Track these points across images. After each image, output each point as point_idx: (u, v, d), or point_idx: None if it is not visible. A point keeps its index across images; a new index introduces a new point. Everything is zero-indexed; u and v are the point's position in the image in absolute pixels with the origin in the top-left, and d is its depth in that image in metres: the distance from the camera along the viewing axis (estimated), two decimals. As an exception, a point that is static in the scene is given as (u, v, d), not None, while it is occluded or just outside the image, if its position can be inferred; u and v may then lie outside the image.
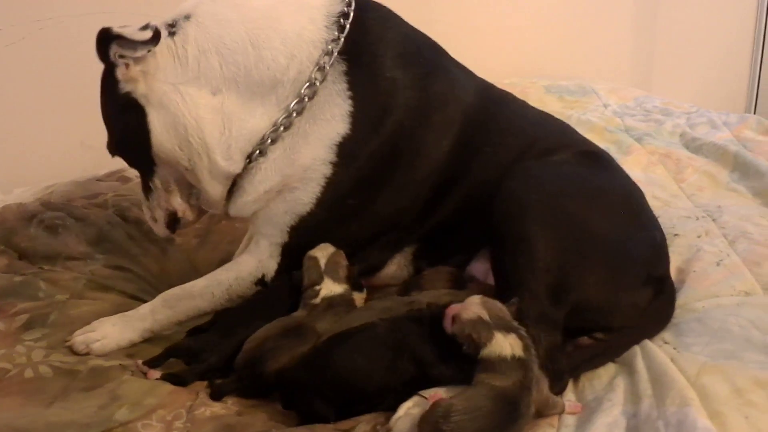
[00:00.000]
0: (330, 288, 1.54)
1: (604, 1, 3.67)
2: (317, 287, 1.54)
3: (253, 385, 1.42)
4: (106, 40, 1.49)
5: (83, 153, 2.52)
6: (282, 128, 1.57)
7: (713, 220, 1.99)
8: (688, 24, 3.85)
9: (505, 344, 1.26)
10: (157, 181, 1.64)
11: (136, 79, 1.52)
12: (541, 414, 1.30)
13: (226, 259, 1.89)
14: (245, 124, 1.57)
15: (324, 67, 1.56)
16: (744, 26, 3.99)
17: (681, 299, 1.65)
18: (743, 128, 2.65)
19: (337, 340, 1.39)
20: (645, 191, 1.75)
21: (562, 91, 3.10)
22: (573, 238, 1.49)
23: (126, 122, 1.57)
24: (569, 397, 1.41)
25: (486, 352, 1.27)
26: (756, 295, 1.63)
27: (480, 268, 1.65)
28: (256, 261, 1.65)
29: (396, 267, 1.74)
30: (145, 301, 1.68)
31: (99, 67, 1.54)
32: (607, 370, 1.47)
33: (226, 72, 1.54)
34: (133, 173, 2.07)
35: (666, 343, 1.51)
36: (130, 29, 1.49)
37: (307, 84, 1.56)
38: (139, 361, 1.49)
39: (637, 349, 1.49)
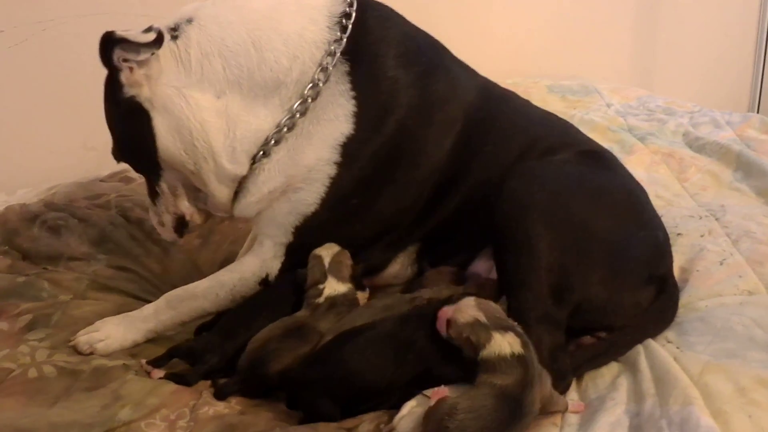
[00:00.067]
0: (333, 287, 1.54)
1: (605, 0, 3.67)
2: (320, 286, 1.54)
3: (257, 386, 1.43)
4: (109, 44, 1.48)
5: (86, 154, 2.53)
6: (285, 129, 1.57)
7: (716, 219, 1.99)
8: (691, 22, 3.85)
9: (504, 343, 1.26)
10: (164, 186, 1.64)
11: (140, 83, 1.52)
12: (544, 410, 1.29)
13: (228, 259, 1.90)
14: (249, 126, 1.57)
15: (327, 67, 1.56)
16: (747, 24, 3.99)
17: (684, 298, 1.65)
18: (746, 127, 2.65)
19: (345, 337, 1.39)
20: (648, 191, 1.75)
21: (565, 91, 3.11)
22: (575, 237, 1.49)
23: (131, 127, 1.56)
24: (572, 396, 1.41)
25: (485, 353, 1.27)
26: (759, 294, 1.63)
27: (482, 266, 1.65)
28: (259, 261, 1.65)
29: (399, 266, 1.74)
30: (147, 302, 1.68)
31: (101, 68, 1.54)
32: (610, 369, 1.47)
33: (229, 75, 1.54)
34: (136, 174, 2.07)
35: (669, 342, 1.51)
36: (133, 32, 1.48)
37: (310, 85, 1.56)
38: (143, 361, 1.50)
39: (640, 348, 1.49)
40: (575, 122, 2.29)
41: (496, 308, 1.34)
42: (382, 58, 1.61)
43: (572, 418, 1.33)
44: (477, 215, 1.62)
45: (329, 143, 1.58)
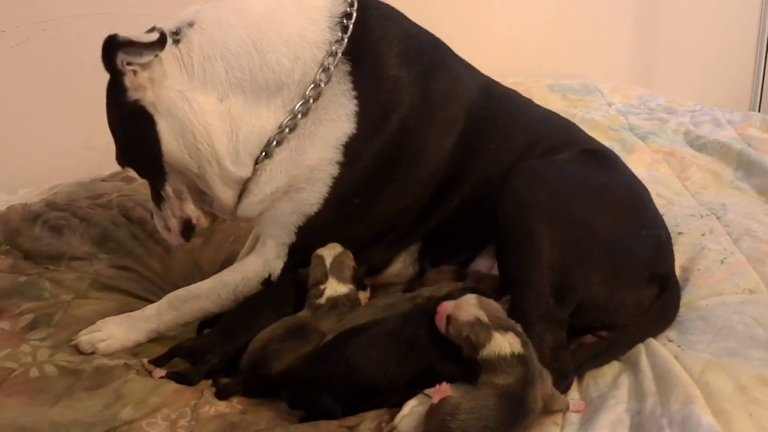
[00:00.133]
0: (334, 288, 1.54)
1: (606, -1, 3.68)
2: (322, 286, 1.54)
3: (259, 385, 1.43)
4: (113, 47, 1.47)
5: (87, 153, 2.53)
6: (287, 130, 1.57)
7: (717, 218, 1.99)
8: (691, 21, 3.85)
9: (504, 343, 1.26)
10: (169, 190, 1.64)
11: (144, 87, 1.51)
12: (546, 409, 1.29)
13: (229, 258, 1.90)
14: (252, 128, 1.57)
15: (328, 68, 1.56)
16: (747, 22, 3.99)
17: (685, 297, 1.65)
18: (747, 126, 2.65)
19: (347, 335, 1.40)
20: (649, 190, 1.75)
21: (566, 90, 3.11)
22: (577, 237, 1.49)
23: (135, 131, 1.56)
24: (573, 395, 1.41)
25: (485, 352, 1.27)
26: (760, 293, 1.63)
27: (484, 264, 1.65)
28: (262, 261, 1.65)
29: (401, 265, 1.74)
30: (149, 301, 1.68)
31: (102, 68, 1.54)
32: (612, 368, 1.47)
33: (231, 77, 1.54)
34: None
35: (670, 341, 1.51)
36: (136, 34, 1.48)
37: (312, 85, 1.56)
38: (145, 360, 1.50)
39: (641, 347, 1.49)
40: (576, 121, 2.27)
41: (497, 307, 1.34)
42: (384, 57, 1.61)
43: (573, 417, 1.33)
44: (478, 214, 1.62)
45: (331, 143, 1.58)
